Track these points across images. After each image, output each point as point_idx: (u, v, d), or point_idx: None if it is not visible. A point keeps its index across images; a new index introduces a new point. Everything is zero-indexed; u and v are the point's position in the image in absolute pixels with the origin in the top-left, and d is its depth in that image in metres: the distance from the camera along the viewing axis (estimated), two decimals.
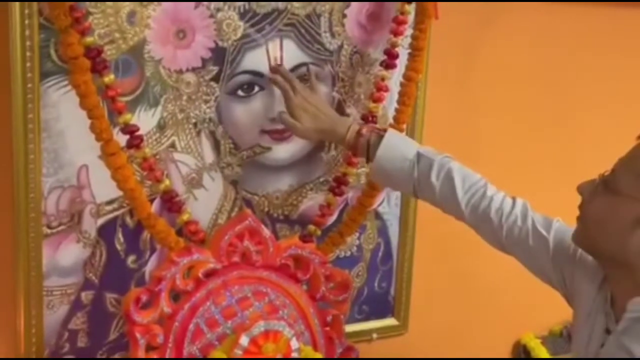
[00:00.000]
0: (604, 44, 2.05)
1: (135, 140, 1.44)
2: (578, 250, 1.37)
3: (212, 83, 1.52)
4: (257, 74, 1.56)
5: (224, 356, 1.46)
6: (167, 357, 1.47)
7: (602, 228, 1.25)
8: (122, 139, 1.43)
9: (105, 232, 1.50)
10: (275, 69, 1.56)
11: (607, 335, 1.28)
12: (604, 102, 2.08)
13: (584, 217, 1.29)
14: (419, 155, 1.49)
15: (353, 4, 1.62)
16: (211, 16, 1.49)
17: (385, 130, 1.52)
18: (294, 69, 1.59)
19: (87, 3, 1.37)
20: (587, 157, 1.90)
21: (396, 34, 1.64)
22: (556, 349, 2.09)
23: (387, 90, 1.67)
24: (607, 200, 1.24)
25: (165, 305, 1.47)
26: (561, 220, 1.43)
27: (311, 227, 1.69)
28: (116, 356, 1.55)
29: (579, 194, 1.30)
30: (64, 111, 1.40)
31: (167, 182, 1.50)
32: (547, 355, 2.07)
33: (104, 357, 1.54)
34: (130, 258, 1.53)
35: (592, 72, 2.05)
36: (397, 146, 1.50)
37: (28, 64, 1.35)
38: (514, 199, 1.46)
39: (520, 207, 1.44)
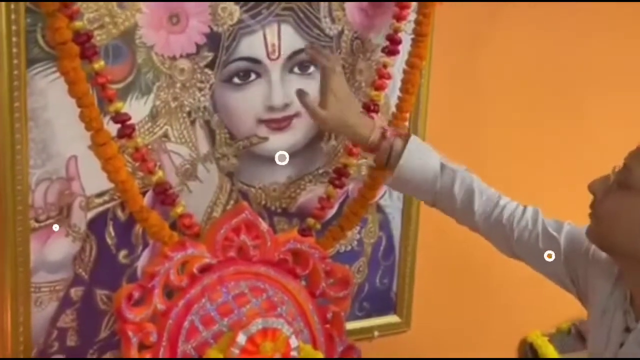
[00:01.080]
0: (610, 37, 2.05)
1: (126, 130, 1.43)
2: (591, 248, 1.38)
3: (206, 70, 1.51)
4: (254, 60, 1.55)
5: (220, 355, 1.45)
6: (160, 356, 1.46)
7: (616, 224, 1.25)
8: (112, 129, 1.42)
9: (96, 225, 1.48)
10: (314, 47, 1.53)
11: (627, 333, 1.28)
12: (608, 91, 2.09)
13: (597, 215, 1.29)
14: (442, 167, 1.48)
15: None
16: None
17: (407, 135, 1.50)
18: (292, 55, 1.58)
19: None
20: (591, 147, 2.02)
21: (399, 18, 1.63)
22: (564, 348, 2.10)
23: (389, 77, 1.66)
24: (620, 196, 1.24)
25: (158, 302, 1.46)
26: (572, 224, 1.44)
27: (310, 221, 1.67)
28: (107, 355, 1.54)
29: (590, 192, 1.29)
30: (52, 99, 1.39)
31: (160, 173, 1.49)
32: (554, 354, 2.08)
33: (94, 356, 1.54)
34: (122, 253, 1.52)
35: (597, 64, 2.06)
36: (420, 156, 1.48)
37: (14, 50, 1.32)
38: (525, 207, 1.48)
39: (531, 212, 1.46)
